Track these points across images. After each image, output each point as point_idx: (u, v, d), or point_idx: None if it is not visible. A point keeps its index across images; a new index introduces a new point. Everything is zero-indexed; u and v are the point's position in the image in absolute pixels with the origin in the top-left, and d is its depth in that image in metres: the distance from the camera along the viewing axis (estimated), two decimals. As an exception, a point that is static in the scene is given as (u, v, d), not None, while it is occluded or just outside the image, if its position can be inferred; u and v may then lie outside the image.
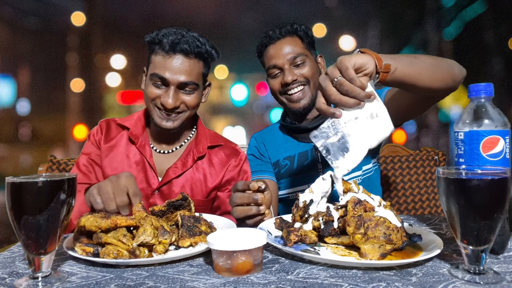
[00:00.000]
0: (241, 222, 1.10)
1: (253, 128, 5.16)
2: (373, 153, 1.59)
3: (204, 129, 1.57)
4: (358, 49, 0.98)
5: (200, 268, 0.80)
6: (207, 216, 1.09)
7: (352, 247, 0.86)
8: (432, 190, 1.86)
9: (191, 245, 0.91)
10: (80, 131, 4.87)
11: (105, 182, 1.10)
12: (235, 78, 5.12)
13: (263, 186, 1.04)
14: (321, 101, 0.96)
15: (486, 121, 0.82)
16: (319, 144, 0.96)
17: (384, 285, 0.68)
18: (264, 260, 0.83)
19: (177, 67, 1.34)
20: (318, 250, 0.87)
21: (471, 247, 0.71)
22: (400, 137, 4.69)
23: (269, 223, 1.04)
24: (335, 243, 0.90)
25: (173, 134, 1.49)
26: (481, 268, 0.71)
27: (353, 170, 1.52)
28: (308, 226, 0.92)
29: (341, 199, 0.92)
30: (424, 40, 5.11)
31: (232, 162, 1.53)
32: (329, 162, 0.97)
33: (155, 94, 1.37)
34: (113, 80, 5.06)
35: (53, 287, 0.71)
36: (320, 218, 0.91)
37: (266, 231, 0.93)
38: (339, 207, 0.90)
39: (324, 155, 0.96)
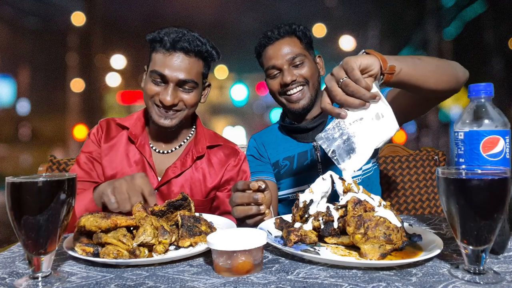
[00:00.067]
0: (241, 222, 1.10)
1: (253, 128, 5.16)
2: (373, 153, 1.59)
3: (203, 129, 1.57)
4: (363, 50, 0.99)
5: (200, 268, 0.80)
6: (207, 216, 1.10)
7: (352, 247, 0.86)
8: (432, 190, 1.86)
9: (191, 245, 0.91)
10: (80, 131, 4.87)
11: (119, 182, 1.10)
12: (235, 78, 5.12)
13: (263, 186, 1.04)
14: (326, 101, 0.97)
15: (486, 121, 0.82)
16: (325, 145, 0.97)
17: (384, 285, 0.68)
18: (264, 260, 0.83)
19: (177, 64, 1.35)
20: (318, 250, 0.87)
21: (471, 247, 0.71)
22: (400, 137, 4.69)
23: (269, 223, 1.04)
24: (335, 243, 0.90)
25: (172, 133, 1.49)
26: (481, 268, 0.71)
27: (354, 171, 1.52)
28: (308, 226, 0.92)
29: (341, 199, 0.92)
30: (424, 40, 5.11)
31: (231, 162, 1.53)
32: (336, 163, 0.97)
33: (153, 91, 1.37)
34: (113, 80, 5.06)
35: (53, 287, 0.71)
36: (320, 218, 0.91)
37: (266, 231, 0.93)
38: (339, 207, 0.90)
39: (330, 156, 0.97)
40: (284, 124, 1.65)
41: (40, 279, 0.73)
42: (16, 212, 0.72)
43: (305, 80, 1.53)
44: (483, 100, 0.84)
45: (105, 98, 5.13)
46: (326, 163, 1.54)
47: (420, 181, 1.87)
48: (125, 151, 1.47)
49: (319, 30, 4.98)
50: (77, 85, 4.95)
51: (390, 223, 0.81)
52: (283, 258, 0.85)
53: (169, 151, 1.50)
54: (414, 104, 1.29)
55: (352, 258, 0.81)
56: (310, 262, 0.81)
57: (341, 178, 0.96)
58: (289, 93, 1.53)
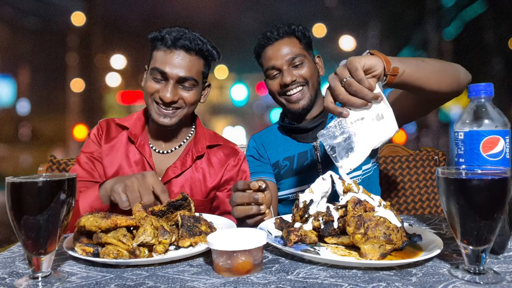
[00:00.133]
0: (241, 221, 1.10)
1: (253, 128, 5.16)
2: (372, 153, 1.59)
3: (203, 129, 1.57)
4: (368, 51, 1.00)
5: (200, 268, 0.80)
6: (207, 216, 1.10)
7: (352, 247, 0.86)
8: (432, 190, 1.86)
9: (191, 245, 0.91)
10: (80, 131, 4.87)
11: (131, 180, 1.10)
12: (235, 78, 5.12)
13: (263, 186, 1.04)
14: (329, 100, 0.98)
15: (486, 121, 0.82)
16: (325, 143, 0.98)
17: (384, 285, 0.68)
18: (264, 260, 0.83)
19: (177, 62, 1.36)
20: (318, 250, 0.87)
21: (471, 247, 0.71)
22: (400, 137, 4.69)
23: (269, 223, 1.04)
24: (335, 243, 0.90)
25: (172, 133, 1.49)
26: (481, 268, 0.71)
27: (353, 170, 1.51)
28: (308, 226, 0.92)
29: (341, 199, 0.92)
30: (424, 40, 5.11)
31: (231, 161, 1.53)
32: (333, 161, 0.99)
33: (154, 89, 1.38)
34: (113, 80, 5.06)
35: (53, 287, 0.71)
36: (320, 218, 0.91)
37: (266, 231, 0.93)
38: (339, 207, 0.90)
39: (329, 153, 0.99)
40: (283, 124, 1.65)
41: (40, 279, 0.73)
42: (16, 212, 0.72)
43: (304, 81, 1.52)
44: (483, 100, 0.84)
45: (105, 98, 5.13)
46: (326, 163, 1.54)
47: (420, 181, 1.87)
48: (125, 151, 1.47)
49: (319, 30, 4.98)
50: (77, 85, 4.95)
51: (390, 223, 0.81)
52: (283, 258, 0.85)
53: (169, 151, 1.50)
54: (415, 105, 1.29)
55: (352, 258, 0.81)
56: (310, 262, 0.81)
57: (341, 178, 0.96)
58: (288, 93, 1.53)
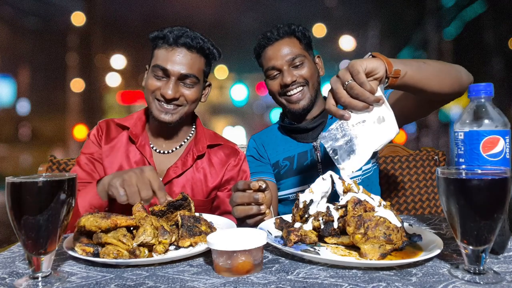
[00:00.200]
0: (242, 221, 1.10)
1: (253, 128, 5.16)
2: (372, 154, 1.59)
3: (203, 129, 1.58)
4: (370, 53, 1.01)
5: (200, 268, 0.80)
6: (207, 216, 1.10)
7: (352, 247, 0.86)
8: (432, 190, 1.86)
9: (191, 245, 0.91)
10: (80, 131, 4.87)
11: (128, 174, 1.10)
12: (235, 78, 5.12)
13: (263, 186, 1.04)
14: (331, 103, 0.99)
15: (486, 121, 0.82)
16: (327, 145, 0.99)
17: (384, 285, 0.68)
18: (264, 260, 0.83)
19: (179, 59, 1.37)
20: (318, 250, 0.87)
21: (471, 247, 0.71)
22: (400, 137, 4.69)
23: (269, 223, 1.04)
24: (335, 243, 0.90)
25: (172, 132, 1.49)
26: (481, 268, 0.71)
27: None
28: (308, 226, 0.92)
29: (341, 199, 0.92)
30: (424, 40, 5.11)
31: (231, 161, 1.53)
32: (336, 163, 0.99)
33: (155, 86, 1.39)
34: (113, 80, 5.06)
35: (53, 287, 0.71)
36: (320, 218, 0.91)
37: (266, 231, 0.93)
38: (339, 207, 0.90)
39: (331, 156, 0.99)
40: (283, 124, 1.65)
41: (40, 279, 0.73)
42: (16, 212, 0.72)
43: (305, 81, 1.53)
44: (483, 100, 0.84)
45: (105, 98, 5.13)
46: (326, 163, 1.54)
47: (420, 181, 1.87)
48: (126, 151, 1.47)
49: (319, 30, 4.98)
50: (77, 85, 4.95)
51: (390, 223, 0.81)
52: (283, 258, 0.85)
53: (170, 151, 1.50)
54: (416, 106, 1.29)
55: (352, 258, 0.81)
56: (310, 262, 0.81)
57: (341, 178, 0.96)
58: (289, 93, 1.53)
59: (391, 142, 2.12)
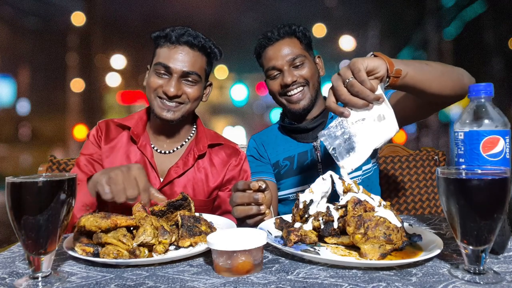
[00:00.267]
0: (241, 221, 1.10)
1: (253, 128, 5.16)
2: (373, 153, 1.59)
3: (204, 128, 1.58)
4: (372, 53, 1.01)
5: (200, 268, 0.80)
6: (207, 216, 1.10)
7: (352, 247, 0.86)
8: (432, 190, 1.86)
9: (191, 245, 0.91)
10: (80, 131, 4.87)
11: (115, 171, 1.08)
12: (235, 78, 5.12)
13: (263, 186, 1.04)
14: (331, 100, 0.99)
15: (486, 121, 0.82)
16: (326, 142, 0.99)
17: (384, 285, 0.68)
18: (264, 260, 0.83)
19: (181, 57, 1.38)
20: (318, 250, 0.87)
21: (471, 247, 0.71)
22: (400, 137, 4.69)
23: (269, 223, 1.04)
24: (335, 243, 0.90)
25: (174, 131, 1.49)
26: (481, 268, 0.71)
27: (354, 170, 1.51)
28: (308, 226, 0.92)
29: (341, 199, 0.92)
30: (424, 40, 5.11)
31: (232, 161, 1.53)
32: (335, 160, 1.00)
33: (157, 84, 1.39)
34: (113, 80, 5.06)
35: (53, 287, 0.71)
36: (320, 218, 0.91)
37: (266, 231, 0.93)
38: (339, 207, 0.90)
39: (330, 153, 1.00)
40: (284, 124, 1.65)
41: (40, 279, 0.73)
42: (16, 212, 0.72)
43: (305, 81, 1.53)
44: (483, 100, 0.84)
45: (105, 98, 5.13)
46: (326, 163, 1.54)
47: (420, 181, 1.87)
48: (126, 152, 1.46)
49: (319, 30, 4.98)
50: (77, 85, 4.95)
51: (390, 223, 0.81)
52: (283, 258, 0.85)
53: (171, 151, 1.50)
54: (417, 107, 1.29)
55: (352, 258, 0.81)
56: (310, 262, 0.81)
57: (341, 178, 0.96)
58: (289, 93, 1.53)
59: (391, 142, 2.13)
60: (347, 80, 0.95)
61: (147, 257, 0.84)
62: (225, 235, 0.80)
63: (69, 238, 0.91)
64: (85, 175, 1.42)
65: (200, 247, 0.89)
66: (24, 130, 4.83)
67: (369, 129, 0.97)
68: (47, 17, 4.79)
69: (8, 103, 4.71)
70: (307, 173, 1.55)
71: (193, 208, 1.04)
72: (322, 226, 0.91)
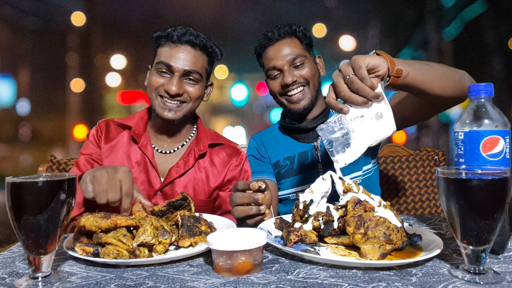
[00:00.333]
0: (241, 222, 1.10)
1: (253, 128, 5.16)
2: (373, 154, 1.59)
3: (205, 128, 1.58)
4: (374, 51, 1.01)
5: (200, 268, 0.80)
6: (207, 216, 1.10)
7: (352, 247, 0.86)
8: (432, 190, 1.86)
9: (191, 245, 0.91)
10: (80, 131, 4.88)
11: (100, 171, 1.06)
12: (235, 78, 5.12)
13: (263, 186, 1.04)
14: (331, 96, 0.99)
15: (486, 121, 0.82)
16: (324, 136, 1.00)
17: (384, 285, 0.68)
18: (264, 260, 0.83)
19: (183, 56, 1.39)
20: (318, 250, 0.87)
21: (471, 247, 0.71)
22: (400, 137, 4.69)
23: (269, 223, 1.04)
24: (335, 243, 0.90)
25: (175, 131, 1.49)
26: (481, 268, 0.71)
27: (354, 170, 1.52)
28: (308, 226, 0.92)
29: (341, 199, 0.92)
30: (424, 40, 5.11)
31: (233, 161, 1.53)
32: (330, 155, 1.00)
33: (158, 83, 1.39)
34: (113, 80, 5.06)
35: (53, 287, 0.71)
36: (320, 218, 0.91)
37: (266, 231, 0.93)
38: (339, 207, 0.90)
39: (326, 148, 1.00)
40: (284, 124, 1.65)
41: (40, 279, 0.73)
42: (16, 212, 0.72)
43: (305, 81, 1.53)
44: (483, 100, 0.84)
45: (105, 98, 5.13)
46: (326, 163, 1.54)
47: (420, 181, 1.87)
48: (127, 151, 1.46)
49: (319, 30, 4.98)
50: (77, 85, 4.95)
51: (390, 223, 0.81)
52: (283, 258, 0.85)
53: (171, 151, 1.50)
54: (418, 109, 1.29)
55: (352, 258, 0.81)
56: (310, 262, 0.81)
57: (341, 178, 0.96)
58: (289, 93, 1.53)
59: (391, 142, 2.13)
60: (347, 77, 0.95)
61: (147, 257, 0.84)
62: (225, 235, 0.80)
63: (69, 238, 0.91)
64: None
65: (200, 247, 0.89)
66: (24, 130, 4.83)
67: (366, 126, 0.97)
68: (47, 17, 4.79)
69: (8, 103, 4.71)
70: (307, 173, 1.55)
71: (193, 208, 1.04)
72: (322, 226, 0.91)
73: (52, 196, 0.73)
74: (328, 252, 0.86)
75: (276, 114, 4.93)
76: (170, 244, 0.91)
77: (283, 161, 1.61)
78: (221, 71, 5.04)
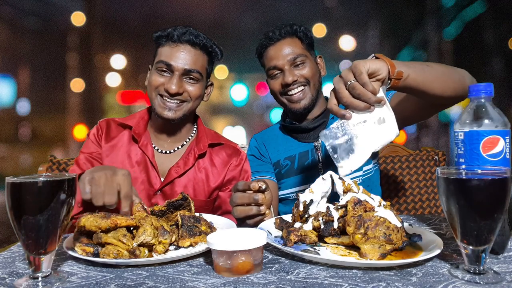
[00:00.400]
0: (241, 222, 1.10)
1: (253, 128, 5.16)
2: (373, 154, 1.59)
3: (205, 128, 1.58)
4: (373, 54, 1.01)
5: (200, 268, 0.80)
6: (207, 216, 1.10)
7: (352, 247, 0.86)
8: (432, 190, 1.86)
9: (191, 245, 0.91)
10: (80, 131, 4.88)
11: (99, 173, 1.04)
12: (235, 78, 5.12)
13: (263, 186, 1.04)
14: (333, 102, 0.99)
15: (486, 121, 0.82)
16: (327, 143, 0.99)
17: (384, 285, 0.68)
18: (264, 260, 0.83)
19: (183, 55, 1.39)
20: (318, 250, 0.87)
21: (471, 247, 0.71)
22: (400, 137, 4.69)
23: (269, 223, 1.04)
24: (335, 243, 0.90)
25: (175, 130, 1.49)
26: (481, 268, 0.71)
27: (355, 171, 1.52)
28: (308, 226, 0.92)
29: (341, 199, 0.92)
30: (424, 40, 5.11)
31: (233, 161, 1.53)
32: (335, 162, 1.00)
33: (159, 82, 1.40)
34: (113, 80, 5.06)
35: (53, 287, 0.71)
36: (320, 218, 0.91)
37: (266, 231, 0.93)
38: (339, 207, 0.90)
39: (330, 154, 1.00)
40: (285, 124, 1.65)
41: (40, 279, 0.73)
42: (16, 212, 0.72)
43: (306, 80, 1.53)
44: (483, 100, 0.84)
45: (105, 98, 5.13)
46: (327, 163, 1.54)
47: (420, 181, 1.87)
48: (127, 151, 1.46)
49: (319, 30, 4.98)
50: (77, 85, 4.95)
51: (390, 223, 0.81)
52: (283, 258, 0.85)
53: (171, 151, 1.50)
54: (418, 108, 1.29)
55: (352, 258, 0.81)
56: (310, 262, 0.81)
57: (341, 178, 0.96)
58: (290, 93, 1.54)
59: (391, 142, 2.13)
60: (348, 82, 0.95)
61: (147, 257, 0.84)
62: (225, 235, 0.80)
63: (69, 238, 0.91)
64: None
65: (200, 247, 0.89)
66: (24, 130, 4.83)
67: (369, 131, 0.97)
68: (47, 17, 4.79)
69: (8, 103, 4.71)
70: (308, 173, 1.55)
71: (193, 208, 1.04)
72: (322, 226, 0.91)
73: (52, 196, 0.73)
74: (328, 252, 0.86)
75: (276, 114, 4.93)
76: (170, 244, 0.92)
77: (283, 161, 1.61)
78: (221, 71, 5.04)
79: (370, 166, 1.57)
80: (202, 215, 1.03)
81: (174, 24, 1.45)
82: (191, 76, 1.40)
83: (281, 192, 1.62)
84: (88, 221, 0.86)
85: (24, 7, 4.72)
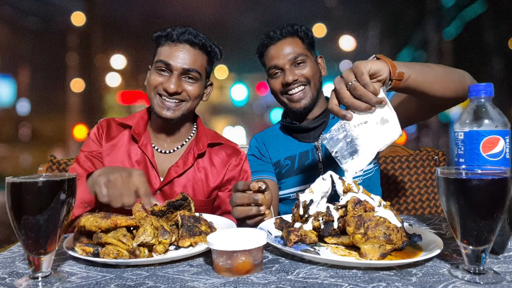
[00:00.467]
0: (241, 222, 1.10)
1: (253, 128, 5.16)
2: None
3: (204, 128, 1.58)
4: (374, 55, 1.01)
5: (200, 268, 0.80)
6: (207, 216, 1.09)
7: (352, 247, 0.86)
8: (432, 190, 1.86)
9: (191, 245, 0.91)
10: (80, 131, 4.88)
11: (115, 175, 1.07)
12: (235, 78, 5.12)
13: (263, 187, 1.04)
14: (333, 103, 0.99)
15: (486, 121, 0.82)
16: (328, 145, 1.00)
17: (384, 285, 0.68)
18: (264, 260, 0.83)
19: (182, 54, 1.39)
20: (318, 250, 0.87)
21: (471, 247, 0.71)
22: (400, 137, 4.69)
23: (269, 223, 1.04)
24: (335, 243, 0.90)
25: (174, 130, 1.49)
26: (481, 268, 0.71)
27: (355, 171, 1.52)
28: (308, 226, 0.92)
29: (341, 199, 0.92)
30: (424, 40, 5.11)
31: (232, 161, 1.53)
32: (339, 163, 1.00)
33: (157, 81, 1.40)
34: (113, 80, 5.06)
35: (53, 287, 0.71)
36: (320, 218, 0.91)
37: (266, 231, 0.93)
38: (339, 207, 0.90)
39: (334, 156, 1.00)
40: (285, 123, 1.65)
41: (40, 279, 0.73)
42: (16, 212, 0.72)
43: (306, 80, 1.53)
44: (483, 100, 0.84)
45: (105, 98, 5.13)
46: (327, 163, 1.54)
47: (420, 181, 1.87)
48: (127, 150, 1.47)
49: (319, 30, 4.98)
50: (77, 85, 4.96)
51: (390, 223, 0.81)
52: (283, 258, 0.85)
53: (171, 150, 1.50)
54: (419, 109, 1.30)
55: (352, 258, 0.81)
56: (310, 262, 0.81)
57: (341, 178, 0.96)
58: (290, 92, 1.54)
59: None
60: (349, 83, 0.95)
61: (147, 257, 0.84)
62: (225, 235, 0.80)
63: (69, 238, 0.91)
64: (84, 171, 1.41)
65: (200, 247, 0.89)
66: (24, 130, 4.83)
67: (372, 132, 0.97)
68: (47, 17, 4.79)
69: (8, 103, 4.71)
70: (308, 173, 1.55)
71: (193, 208, 1.04)
72: (322, 226, 0.90)
73: (52, 196, 0.73)
74: (328, 252, 0.86)
75: (276, 114, 4.94)
76: (170, 244, 0.91)
77: (284, 160, 1.61)
78: (221, 71, 5.04)
79: (371, 166, 1.57)
80: (202, 215, 1.03)
81: (174, 24, 1.45)
82: (190, 76, 1.40)
83: (281, 192, 1.62)
84: (88, 221, 0.86)
85: (24, 7, 4.72)
